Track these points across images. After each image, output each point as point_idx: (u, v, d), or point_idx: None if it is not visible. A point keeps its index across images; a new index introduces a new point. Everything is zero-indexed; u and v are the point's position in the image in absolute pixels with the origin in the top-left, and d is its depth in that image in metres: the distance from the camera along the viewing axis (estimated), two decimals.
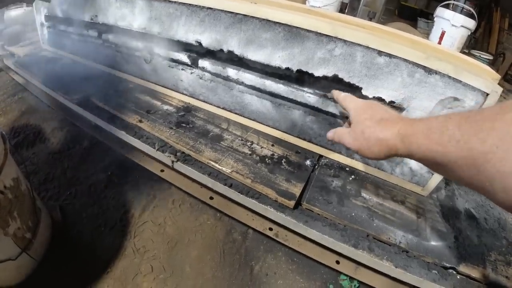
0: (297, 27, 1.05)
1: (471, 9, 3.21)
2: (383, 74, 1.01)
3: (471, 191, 1.43)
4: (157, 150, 1.23)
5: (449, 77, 0.97)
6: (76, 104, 1.56)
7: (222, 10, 1.16)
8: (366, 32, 1.03)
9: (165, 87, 1.54)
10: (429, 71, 0.98)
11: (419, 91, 1.01)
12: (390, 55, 0.98)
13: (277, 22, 1.07)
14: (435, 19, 3.15)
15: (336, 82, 1.08)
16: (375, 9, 3.08)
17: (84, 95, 1.59)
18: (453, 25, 2.93)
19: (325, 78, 1.09)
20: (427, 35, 3.28)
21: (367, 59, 1.00)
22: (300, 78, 1.14)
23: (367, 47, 0.99)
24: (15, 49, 2.25)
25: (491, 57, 3.98)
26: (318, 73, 1.10)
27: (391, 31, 1.24)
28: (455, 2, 3.18)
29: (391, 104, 1.04)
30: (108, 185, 1.48)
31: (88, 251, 1.19)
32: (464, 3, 4.18)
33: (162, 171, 1.34)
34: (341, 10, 3.25)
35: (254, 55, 1.18)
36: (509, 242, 1.17)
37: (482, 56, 3.78)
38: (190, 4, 1.22)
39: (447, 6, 3.15)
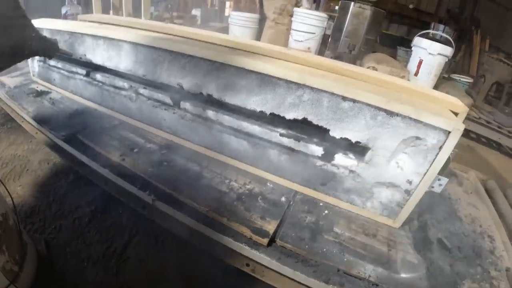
0: (269, 75, 1.16)
1: (448, 37, 3.43)
2: (348, 117, 1.11)
3: (444, 220, 1.49)
4: (138, 188, 1.30)
5: (410, 118, 1.07)
6: (63, 140, 1.62)
7: (201, 58, 1.27)
8: (332, 79, 1.14)
9: (148, 125, 1.62)
10: (390, 113, 1.08)
11: (382, 132, 1.11)
12: (354, 100, 1.09)
13: (251, 70, 1.18)
14: (412, 48, 3.35)
15: (306, 124, 1.17)
16: (355, 41, 3.28)
17: (70, 131, 1.66)
18: (430, 53, 3.11)
19: (295, 120, 1.19)
20: (406, 63, 3.47)
21: (332, 104, 1.11)
22: (273, 120, 1.24)
23: (332, 93, 1.09)
24: (6, 79, 2.32)
25: (471, 80, 4.19)
26: (289, 116, 1.20)
27: (361, 72, 1.35)
28: (433, 31, 3.40)
29: (357, 144, 1.14)
30: (92, 220, 1.53)
31: (71, 286, 1.22)
32: (443, 30, 4.46)
33: (143, 207, 1.39)
34: (324, 41, 3.45)
35: (231, 99, 1.28)
36: (484, 269, 1.21)
37: (462, 79, 3.98)
38: (172, 51, 1.33)
39: (424, 35, 3.36)
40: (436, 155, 1.10)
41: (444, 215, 1.53)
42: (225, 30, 3.80)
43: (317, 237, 1.15)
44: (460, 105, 1.39)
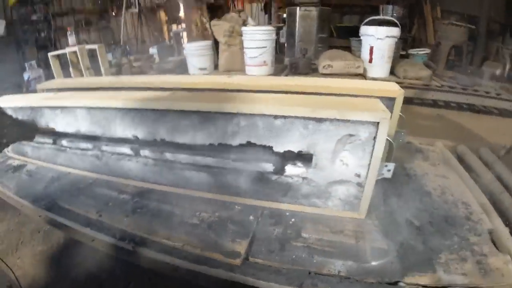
0: (207, 112, 1.27)
1: (391, 18, 3.62)
2: (284, 132, 1.22)
3: (411, 199, 1.56)
4: (118, 239, 1.38)
5: (337, 119, 1.18)
6: (45, 209, 1.71)
7: (146, 109, 1.39)
8: (263, 100, 1.26)
9: (118, 177, 1.72)
10: (319, 120, 1.19)
11: (318, 137, 1.22)
12: (284, 117, 1.20)
13: (190, 111, 1.29)
14: (361, 37, 3.52)
15: (251, 146, 1.28)
16: (309, 43, 3.45)
17: (50, 199, 1.75)
18: (379, 38, 3.28)
19: (241, 145, 1.30)
20: (360, 52, 3.64)
21: (267, 124, 1.22)
22: (223, 149, 1.35)
23: (264, 115, 1.21)
24: None
25: (428, 51, 4.38)
26: (235, 143, 1.31)
27: (297, 84, 1.48)
28: (376, 17, 3.58)
29: (299, 153, 1.25)
30: (88, 278, 1.61)
31: None
32: (392, 11, 4.67)
33: (128, 255, 1.48)
34: (281, 49, 3.62)
35: (181, 139, 1.39)
36: (462, 237, 1.26)
37: (419, 53, 4.17)
38: (120, 108, 1.45)
39: (369, 23, 3.54)
40: (373, 146, 1.20)
41: (410, 194, 1.59)
42: (184, 62, 3.97)
43: (286, 246, 1.24)
44: (395, 89, 1.51)
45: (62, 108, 1.69)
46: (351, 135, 1.21)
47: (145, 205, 1.54)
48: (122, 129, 1.52)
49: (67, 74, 4.01)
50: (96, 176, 1.83)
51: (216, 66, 3.90)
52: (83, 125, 1.67)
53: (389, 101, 1.49)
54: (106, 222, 1.49)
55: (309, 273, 1.16)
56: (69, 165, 1.94)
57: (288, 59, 3.78)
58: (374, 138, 1.20)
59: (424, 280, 1.08)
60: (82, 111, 1.62)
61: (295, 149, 1.25)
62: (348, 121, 1.18)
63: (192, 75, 3.57)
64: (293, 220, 1.37)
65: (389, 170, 1.36)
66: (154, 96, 1.42)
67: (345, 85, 1.54)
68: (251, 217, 1.38)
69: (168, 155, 1.47)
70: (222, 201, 1.49)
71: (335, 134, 1.20)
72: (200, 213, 1.44)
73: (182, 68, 4.18)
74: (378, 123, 1.16)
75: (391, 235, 1.30)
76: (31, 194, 1.83)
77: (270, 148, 1.27)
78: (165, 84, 1.62)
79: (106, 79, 2.03)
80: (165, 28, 8.33)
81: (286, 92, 1.47)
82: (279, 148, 1.26)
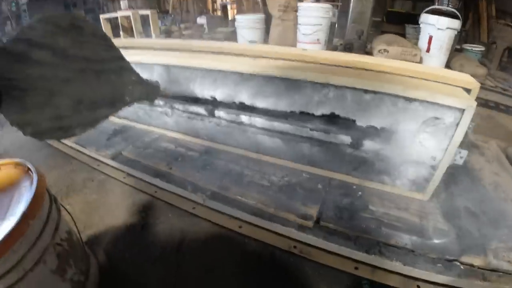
0: (296, 79, 1.32)
1: (454, 10, 3.48)
2: (371, 107, 1.27)
3: (469, 189, 1.62)
4: (190, 191, 1.49)
5: (427, 101, 1.21)
6: (110, 159, 1.83)
7: (231, 72, 1.44)
8: (353, 76, 1.29)
9: (186, 135, 1.82)
10: (409, 99, 1.22)
11: (404, 116, 1.26)
12: (374, 92, 1.24)
13: (277, 77, 1.35)
14: (421, 25, 3.41)
15: (334, 117, 1.34)
16: (362, 25, 3.37)
17: (115, 149, 1.87)
18: (439, 28, 3.18)
19: (324, 116, 1.36)
20: (416, 40, 3.54)
21: (356, 98, 1.26)
22: (303, 118, 1.41)
23: (355, 88, 1.25)
24: None
25: (483, 48, 4.20)
26: (318, 112, 1.36)
27: (377, 63, 1.49)
28: (438, 7, 3.44)
29: (383, 129, 1.29)
30: (144, 226, 1.72)
31: (135, 285, 1.41)
32: (448, 2, 4.46)
33: (193, 208, 1.59)
34: (331, 28, 3.56)
35: (262, 103, 1.45)
36: (511, 229, 1.33)
37: (474, 49, 4.01)
38: (203, 69, 1.52)
39: (430, 12, 3.42)
40: (455, 131, 1.24)
41: (468, 185, 1.66)
42: (233, 34, 3.94)
43: (355, 215, 1.32)
44: (471, 81, 1.51)
45: (138, 63, 1.77)
46: (436, 118, 1.24)
47: (214, 163, 1.63)
48: (201, 89, 1.59)
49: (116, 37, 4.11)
50: (162, 132, 1.93)
51: (265, 40, 3.90)
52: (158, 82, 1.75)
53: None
54: (177, 175, 1.59)
55: (378, 242, 1.24)
56: (134, 119, 2.05)
57: (337, 40, 3.72)
58: (457, 124, 1.23)
59: (477, 261, 1.18)
60: (159, 68, 1.69)
61: (378, 125, 1.29)
62: (437, 104, 1.21)
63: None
64: (360, 193, 1.44)
65: (461, 157, 1.39)
66: (240, 61, 1.47)
67: (425, 69, 1.54)
68: (320, 186, 1.46)
69: (244, 118, 1.54)
70: (290, 167, 1.56)
71: (422, 115, 1.24)
72: (270, 176, 1.52)
73: (231, 39, 4.17)
74: (464, 110, 1.19)
75: (451, 218, 1.38)
76: (93, 143, 1.94)
77: (353, 121, 1.32)
78: (245, 51, 1.65)
79: (175, 41, 2.08)
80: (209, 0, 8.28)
81: (363, 70, 1.50)
82: (363, 122, 1.30)
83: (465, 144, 1.44)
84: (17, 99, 0.60)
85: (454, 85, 1.44)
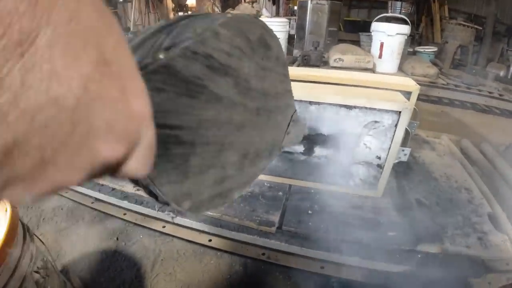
0: None
1: (403, 16, 3.84)
2: (317, 117, 1.43)
3: (420, 182, 1.82)
4: (157, 210, 1.58)
5: (366, 108, 1.39)
6: (77, 185, 1.88)
7: None
8: (299, 89, 1.46)
9: None
10: (349, 107, 1.40)
11: (347, 122, 1.43)
12: (318, 103, 1.41)
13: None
14: (372, 33, 3.74)
15: None
16: (319, 36, 3.65)
17: None
18: (389, 35, 3.50)
19: None
20: (369, 47, 3.86)
21: (302, 109, 1.43)
22: None
23: (301, 100, 1.41)
24: None
25: (435, 49, 4.63)
26: None
27: (324, 75, 1.67)
28: (387, 14, 3.79)
29: (330, 136, 1.46)
30: (117, 249, 1.79)
31: None
32: (400, 8, 4.91)
33: (163, 227, 1.67)
34: (289, 40, 3.81)
35: None
36: (465, 217, 1.52)
37: (426, 50, 4.41)
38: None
39: (381, 19, 3.76)
40: (394, 132, 1.43)
41: (420, 178, 1.86)
42: None
43: (314, 217, 1.46)
44: (412, 84, 1.73)
45: None
46: (376, 122, 1.43)
47: None
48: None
49: None
50: None
51: None
52: None
53: (406, 95, 1.71)
54: (143, 195, 1.67)
55: (337, 240, 1.38)
56: None
57: (297, 51, 3.96)
58: (396, 125, 1.42)
59: (433, 249, 1.33)
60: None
61: (325, 132, 1.46)
62: (375, 109, 1.39)
63: None
64: (317, 196, 1.59)
65: (405, 154, 1.58)
66: None
67: (368, 78, 1.74)
68: (280, 193, 1.60)
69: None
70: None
71: (363, 120, 1.42)
72: None
73: None
74: (400, 112, 1.38)
75: (404, 211, 1.55)
76: None
77: None
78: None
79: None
80: (171, 15, 8.41)
81: (312, 82, 1.68)
82: (312, 131, 1.46)
83: (409, 142, 1.64)
84: (178, 160, 0.32)
85: (395, 90, 1.65)
